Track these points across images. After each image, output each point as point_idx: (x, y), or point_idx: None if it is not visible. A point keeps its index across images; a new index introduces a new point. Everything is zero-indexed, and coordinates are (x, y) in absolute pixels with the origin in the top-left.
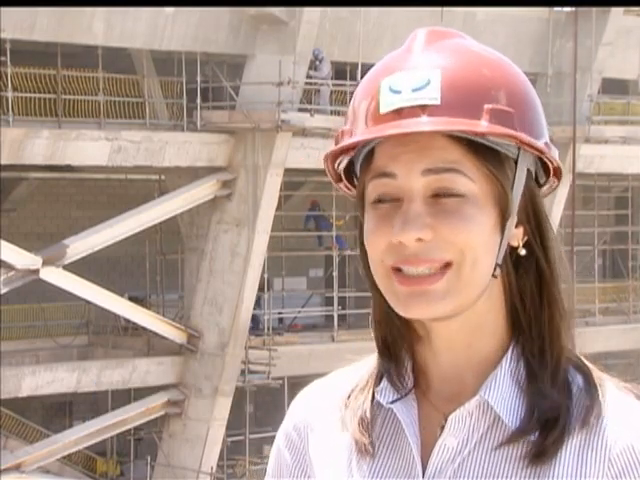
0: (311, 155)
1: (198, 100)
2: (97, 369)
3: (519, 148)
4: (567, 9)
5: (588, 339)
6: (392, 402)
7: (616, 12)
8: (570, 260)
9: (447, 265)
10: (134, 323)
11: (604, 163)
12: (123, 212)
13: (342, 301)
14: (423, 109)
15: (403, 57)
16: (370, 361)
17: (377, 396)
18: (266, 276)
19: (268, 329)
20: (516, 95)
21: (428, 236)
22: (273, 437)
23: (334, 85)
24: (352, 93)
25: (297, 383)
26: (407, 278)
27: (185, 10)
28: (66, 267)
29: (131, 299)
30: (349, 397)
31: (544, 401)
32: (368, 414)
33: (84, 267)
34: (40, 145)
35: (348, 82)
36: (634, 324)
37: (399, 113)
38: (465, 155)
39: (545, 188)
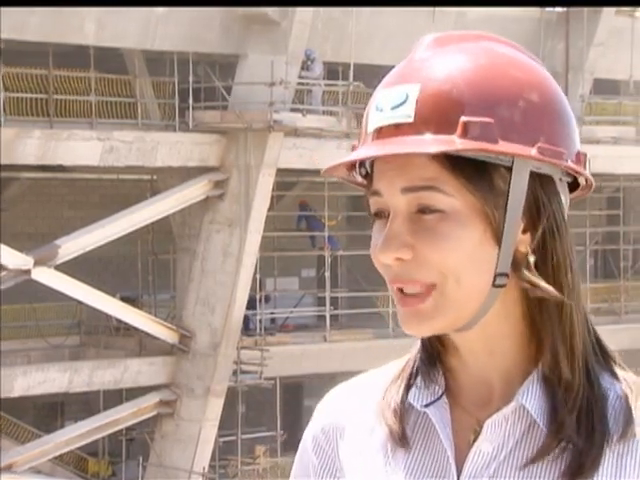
0: (303, 155)
1: (190, 100)
2: (89, 369)
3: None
4: (559, 9)
5: None
6: (426, 405)
7: (608, 12)
8: None
9: (432, 286)
10: (126, 323)
11: (596, 163)
12: (115, 212)
13: (334, 301)
14: (397, 128)
15: (401, 69)
16: (398, 363)
17: (410, 399)
18: (258, 276)
19: (260, 329)
20: (499, 101)
21: (407, 255)
22: (265, 437)
23: (326, 85)
24: (344, 93)
25: (289, 383)
26: (403, 298)
27: (177, 10)
28: (58, 267)
29: (123, 299)
30: (384, 392)
31: (580, 408)
32: (404, 407)
33: (76, 267)
34: (32, 145)
35: (340, 82)
36: (626, 324)
37: (380, 132)
38: (442, 171)
39: (576, 193)
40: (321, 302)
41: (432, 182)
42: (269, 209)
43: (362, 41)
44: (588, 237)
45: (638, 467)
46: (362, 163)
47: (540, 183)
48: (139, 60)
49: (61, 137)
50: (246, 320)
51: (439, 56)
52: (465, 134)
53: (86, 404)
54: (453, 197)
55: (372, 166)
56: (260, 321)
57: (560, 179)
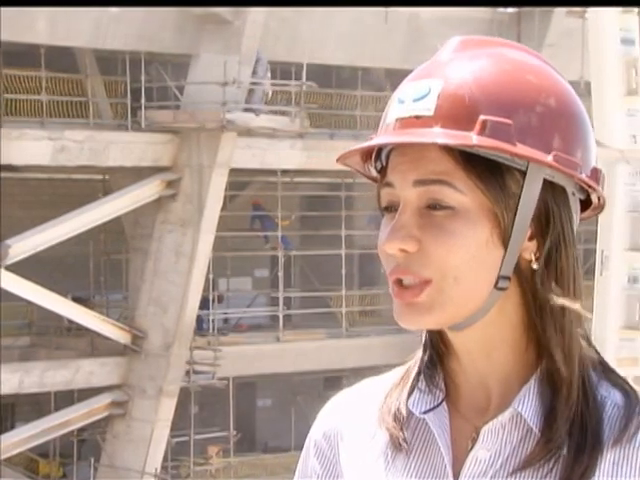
0: (256, 155)
1: (142, 100)
2: (40, 370)
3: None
4: (510, 10)
5: None
6: (425, 412)
7: (559, 13)
8: None
9: (427, 282)
10: (78, 324)
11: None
12: (67, 212)
13: (287, 301)
14: (418, 119)
15: (426, 66)
16: (401, 370)
17: (409, 406)
18: (211, 276)
19: (213, 329)
20: (522, 106)
21: (412, 248)
22: (218, 438)
23: (279, 85)
24: (297, 93)
25: (242, 383)
26: (399, 291)
27: (129, 9)
28: (8, 268)
29: (75, 300)
30: (385, 397)
31: (574, 415)
32: (403, 412)
33: (27, 268)
34: None
35: (293, 82)
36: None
37: (399, 123)
38: (456, 167)
39: (587, 212)
40: (274, 302)
41: (444, 176)
42: (222, 209)
43: (315, 41)
44: None
45: (635, 474)
46: (378, 156)
47: (552, 193)
48: (90, 59)
49: (11, 137)
50: (199, 320)
51: (464, 57)
52: (482, 132)
53: (37, 405)
54: (464, 194)
55: (387, 159)
56: (213, 321)
57: (573, 193)
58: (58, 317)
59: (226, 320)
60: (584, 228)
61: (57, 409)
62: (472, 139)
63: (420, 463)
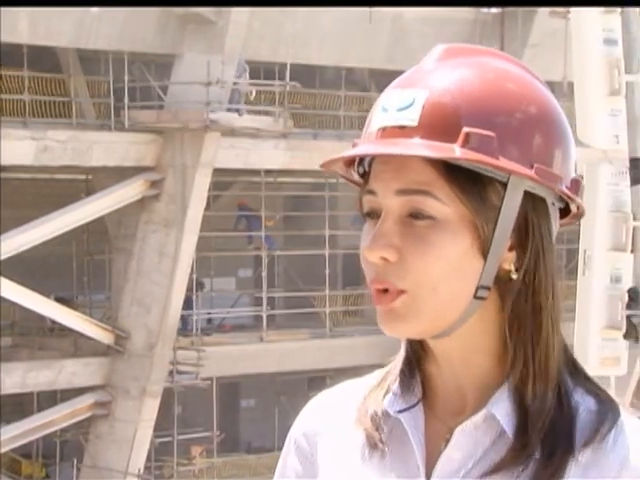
0: (240, 155)
1: (126, 99)
2: (22, 370)
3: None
4: (494, 10)
5: None
6: (400, 411)
7: (542, 14)
8: None
9: (401, 291)
10: (60, 324)
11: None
12: (49, 212)
13: (271, 301)
14: (402, 130)
15: (411, 74)
16: (379, 373)
17: (385, 405)
18: (195, 276)
19: (197, 330)
20: (505, 118)
21: (393, 257)
22: (201, 438)
23: (263, 85)
24: (281, 93)
25: (226, 383)
26: (377, 296)
27: (112, 9)
28: None
29: (57, 300)
30: (363, 399)
31: (543, 420)
32: (380, 413)
33: (9, 268)
34: None
35: (277, 82)
36: (561, 323)
37: (382, 132)
38: (439, 177)
39: (565, 220)
40: (258, 302)
41: (427, 187)
42: (205, 209)
43: (299, 41)
44: None
45: (603, 478)
46: (361, 161)
47: (533, 204)
48: (73, 59)
49: None
50: (185, 320)
51: (448, 67)
52: (466, 144)
53: (20, 406)
54: (446, 205)
55: (370, 165)
56: (196, 321)
57: (553, 203)
58: (41, 317)
59: (209, 320)
60: (567, 228)
61: (40, 410)
62: (456, 151)
63: (395, 462)
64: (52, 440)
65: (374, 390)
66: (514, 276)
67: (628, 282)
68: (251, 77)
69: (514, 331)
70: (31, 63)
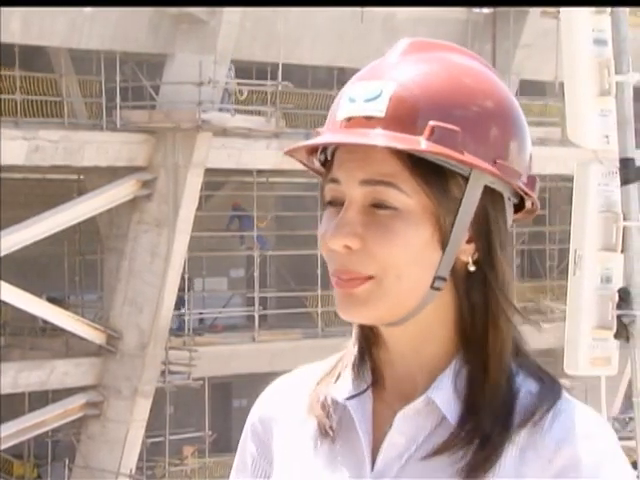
0: (232, 155)
1: (117, 99)
2: (14, 371)
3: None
4: (486, 10)
5: None
6: (348, 398)
7: (533, 14)
8: None
9: (369, 277)
10: (52, 324)
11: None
12: (41, 212)
13: (263, 301)
14: (368, 120)
15: (373, 66)
16: (335, 358)
17: (334, 393)
18: (187, 276)
19: (189, 330)
20: (471, 113)
21: (356, 245)
22: (193, 438)
23: (255, 85)
24: (273, 93)
25: (218, 383)
26: (340, 281)
27: (104, 8)
28: None
29: (49, 300)
30: (316, 386)
31: (486, 405)
32: (330, 401)
33: (1, 267)
34: None
35: (269, 82)
36: (551, 323)
37: (348, 122)
38: (402, 169)
39: (518, 215)
40: (250, 302)
41: (390, 178)
42: (197, 209)
43: (291, 41)
44: (515, 237)
45: (539, 463)
46: (324, 149)
47: (491, 198)
48: (65, 59)
49: None
50: (180, 320)
51: (413, 61)
52: (431, 137)
53: (11, 406)
54: (408, 196)
55: (333, 153)
56: (188, 321)
57: (509, 198)
58: (32, 317)
59: (201, 320)
60: (559, 228)
61: (31, 410)
62: (421, 144)
63: (344, 448)
64: (44, 440)
65: (326, 377)
66: (471, 268)
67: (618, 282)
68: (243, 77)
69: (467, 321)
70: (23, 63)
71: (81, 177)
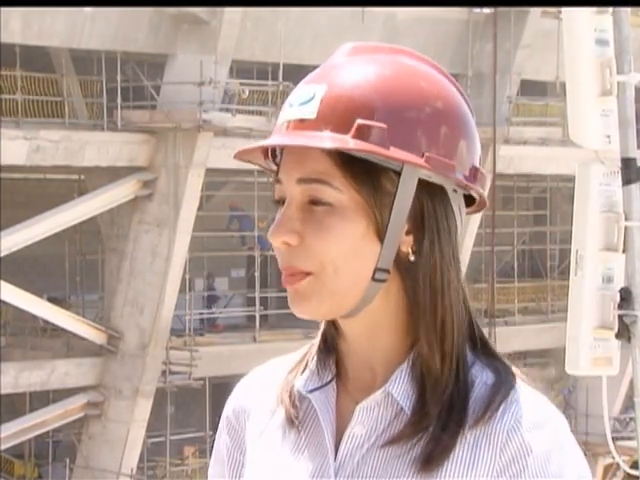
0: (232, 155)
1: (118, 99)
2: (15, 371)
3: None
4: (486, 10)
5: (507, 338)
6: (311, 391)
7: (534, 14)
8: (491, 260)
9: (308, 273)
10: (53, 324)
11: (523, 164)
12: (42, 212)
13: (264, 301)
14: (302, 122)
15: (317, 71)
16: (305, 349)
17: (298, 385)
18: (187, 277)
19: (189, 330)
20: (399, 110)
21: (294, 241)
22: (194, 438)
23: (255, 85)
24: (274, 93)
25: (219, 384)
26: (286, 278)
27: (104, 8)
28: None
29: (50, 300)
30: (286, 377)
31: (441, 396)
32: (296, 392)
33: (2, 268)
34: None
35: (270, 82)
36: (552, 323)
37: (288, 125)
38: (335, 167)
39: (472, 208)
40: (251, 302)
41: (323, 176)
42: (198, 209)
43: (291, 41)
44: (516, 237)
45: (492, 452)
46: (276, 154)
47: (428, 191)
48: (66, 59)
49: None
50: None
51: (351, 63)
52: (359, 136)
53: (12, 406)
54: (341, 192)
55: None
56: (189, 321)
57: (455, 190)
58: (33, 317)
59: (202, 320)
60: (560, 228)
61: (32, 410)
62: (349, 143)
63: (309, 439)
64: (44, 440)
65: (295, 368)
66: (412, 258)
67: (620, 282)
68: (244, 77)
69: (414, 311)
70: (24, 63)
71: (82, 177)
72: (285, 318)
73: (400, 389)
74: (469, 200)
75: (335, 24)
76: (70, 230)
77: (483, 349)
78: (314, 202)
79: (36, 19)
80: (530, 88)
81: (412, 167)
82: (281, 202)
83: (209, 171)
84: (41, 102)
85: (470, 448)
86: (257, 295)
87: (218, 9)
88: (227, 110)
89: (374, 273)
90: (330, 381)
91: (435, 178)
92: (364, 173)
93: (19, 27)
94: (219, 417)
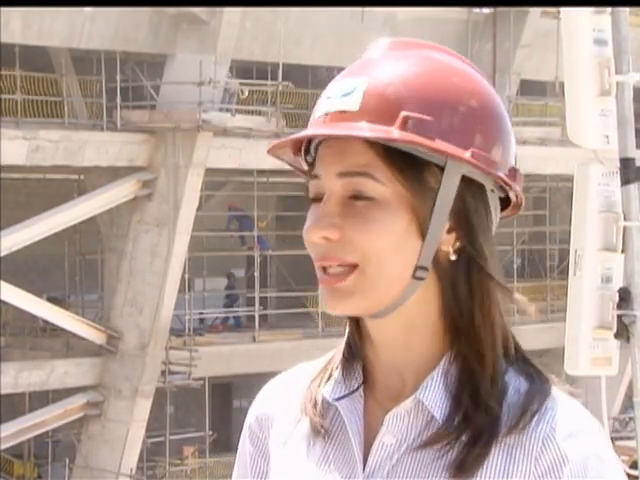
0: (232, 155)
1: (118, 99)
2: (15, 371)
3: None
4: (486, 10)
5: None
6: (338, 399)
7: (534, 14)
8: None
9: (354, 266)
10: (52, 324)
11: (523, 164)
12: (41, 212)
13: (263, 301)
14: (343, 114)
15: (355, 65)
16: (329, 356)
17: (325, 394)
18: (187, 276)
19: (189, 329)
20: (444, 104)
21: (334, 236)
22: (194, 438)
23: (255, 85)
24: (273, 93)
25: (218, 383)
26: (324, 277)
27: (104, 8)
28: None
29: (50, 300)
30: (310, 386)
31: (476, 403)
32: (321, 405)
33: (2, 267)
34: None
35: (269, 82)
36: (551, 323)
37: (327, 117)
38: (378, 159)
39: (506, 211)
40: (250, 302)
41: (366, 169)
42: (198, 209)
43: (291, 41)
44: (515, 237)
45: (527, 462)
46: (308, 150)
47: (470, 189)
48: (66, 59)
49: None
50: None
51: (391, 57)
52: (403, 127)
53: (12, 406)
54: (384, 186)
55: (316, 152)
56: (189, 321)
57: (492, 190)
58: (33, 317)
59: (202, 320)
60: (559, 228)
61: (32, 410)
62: (393, 133)
63: (336, 449)
64: (44, 440)
65: (318, 376)
66: (452, 257)
67: (619, 282)
68: (243, 77)
69: (452, 314)
70: (23, 63)
71: (81, 177)
72: (284, 318)
73: (432, 397)
74: (503, 203)
75: (335, 24)
76: (70, 230)
77: (516, 355)
78: (355, 197)
79: (36, 19)
80: (529, 88)
81: (456, 162)
82: (317, 199)
83: (208, 171)
84: (41, 102)
85: (504, 457)
86: (257, 295)
87: (218, 9)
88: (227, 110)
89: (415, 270)
90: (357, 389)
91: (477, 175)
92: (409, 166)
93: (19, 27)
94: (219, 417)
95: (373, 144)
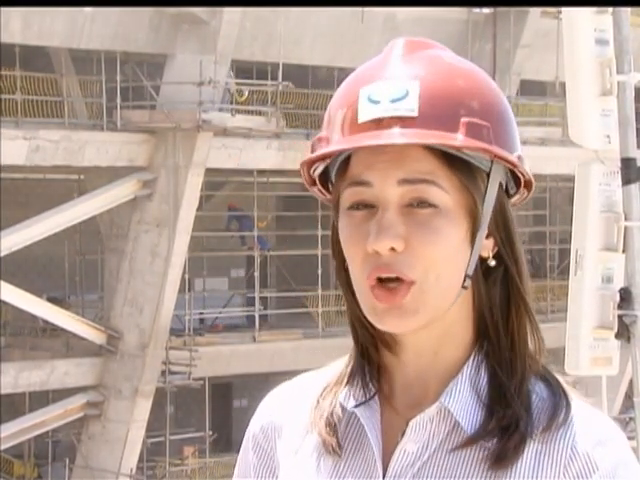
0: (232, 155)
1: (118, 99)
2: (15, 371)
3: (492, 161)
4: (486, 10)
5: None
6: (356, 406)
7: (534, 14)
8: None
9: (411, 282)
10: (53, 324)
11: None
12: (41, 212)
13: (263, 301)
14: (400, 120)
15: (381, 66)
16: (338, 364)
17: (341, 400)
18: (187, 276)
19: (189, 330)
20: (491, 108)
21: (400, 246)
22: (194, 438)
23: (255, 85)
24: (273, 93)
25: (218, 383)
26: (381, 294)
27: (104, 8)
28: None
29: (50, 300)
30: (318, 398)
31: (503, 409)
32: (334, 415)
33: (2, 267)
34: None
35: (269, 82)
36: (552, 323)
37: (377, 123)
38: (439, 167)
39: (515, 198)
40: (250, 302)
41: (430, 176)
42: (198, 209)
43: (291, 41)
44: None
45: (555, 469)
46: (323, 159)
47: (501, 191)
48: (66, 59)
49: None
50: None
51: (424, 59)
52: (467, 133)
53: (12, 406)
54: (447, 193)
55: (348, 159)
56: (189, 321)
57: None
58: (33, 317)
59: (202, 320)
60: (560, 228)
61: (32, 410)
62: (459, 140)
63: (352, 457)
64: (44, 440)
65: (329, 388)
66: (492, 263)
67: (620, 282)
68: (243, 77)
69: (488, 320)
70: (23, 63)
71: (81, 177)
72: (284, 318)
73: (457, 403)
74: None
75: (335, 24)
76: (70, 230)
77: (532, 358)
78: (416, 204)
79: (36, 19)
80: (530, 88)
81: (500, 166)
82: (358, 207)
83: (209, 171)
84: (41, 102)
85: (532, 464)
86: (257, 295)
87: (218, 9)
88: (227, 110)
89: (464, 279)
90: (372, 396)
91: (506, 177)
92: (469, 173)
93: (19, 27)
94: (219, 417)
95: (431, 150)
